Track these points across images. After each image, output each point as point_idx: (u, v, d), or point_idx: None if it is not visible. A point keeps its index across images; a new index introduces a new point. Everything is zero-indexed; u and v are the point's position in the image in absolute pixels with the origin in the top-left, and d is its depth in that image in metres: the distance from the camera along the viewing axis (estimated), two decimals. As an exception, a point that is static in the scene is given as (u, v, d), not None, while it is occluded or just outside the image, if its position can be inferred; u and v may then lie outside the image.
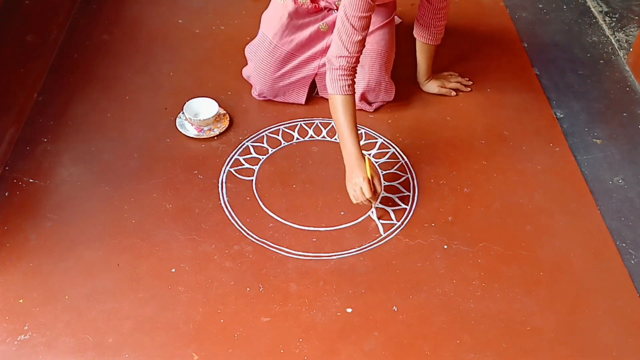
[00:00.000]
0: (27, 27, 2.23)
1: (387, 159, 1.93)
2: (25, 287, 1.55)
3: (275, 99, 2.05)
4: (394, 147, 1.96)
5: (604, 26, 2.50)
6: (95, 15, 2.37)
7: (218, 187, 1.81)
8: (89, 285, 1.57)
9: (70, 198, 1.76)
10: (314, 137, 1.97)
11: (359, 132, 1.99)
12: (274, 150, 1.93)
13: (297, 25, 1.97)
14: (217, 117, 1.97)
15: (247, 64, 2.09)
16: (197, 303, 1.55)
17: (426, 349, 1.49)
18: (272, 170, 1.88)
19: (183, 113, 1.97)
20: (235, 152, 1.91)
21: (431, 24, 1.99)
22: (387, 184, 1.85)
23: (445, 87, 2.12)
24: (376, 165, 1.89)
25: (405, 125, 2.03)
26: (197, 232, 1.70)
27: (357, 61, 1.74)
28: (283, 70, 1.99)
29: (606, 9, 2.57)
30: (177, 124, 1.96)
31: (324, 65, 1.98)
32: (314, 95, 2.08)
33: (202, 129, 1.95)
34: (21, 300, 1.53)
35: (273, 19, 1.99)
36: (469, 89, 2.14)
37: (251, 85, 2.07)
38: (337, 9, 1.95)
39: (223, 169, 1.86)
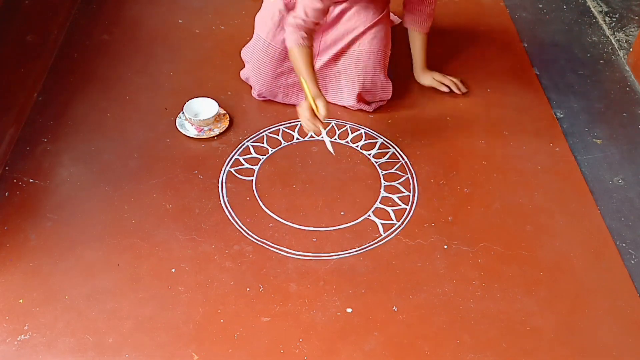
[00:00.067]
0: (27, 27, 2.23)
1: (387, 159, 1.93)
2: (25, 287, 1.55)
3: (275, 99, 2.06)
4: (394, 147, 1.96)
5: (604, 26, 2.50)
6: (95, 15, 2.37)
7: (218, 187, 1.81)
8: (89, 285, 1.57)
9: (70, 198, 1.76)
10: (314, 137, 1.97)
11: (359, 132, 1.99)
12: (274, 150, 1.93)
13: None
14: (217, 117, 1.97)
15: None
16: (197, 303, 1.55)
17: (426, 349, 1.49)
18: (272, 170, 1.88)
19: (183, 113, 1.97)
20: (235, 152, 1.91)
21: (417, 9, 2.00)
22: (387, 184, 1.85)
23: (437, 80, 2.11)
24: (375, 165, 1.89)
25: (405, 125, 2.03)
26: (197, 232, 1.70)
27: (315, 26, 1.83)
28: (280, 70, 1.99)
29: (606, 9, 2.58)
30: (177, 124, 1.96)
31: (320, 68, 1.99)
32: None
33: (202, 129, 1.95)
34: (21, 300, 1.53)
35: (265, 19, 1.99)
36: (460, 92, 2.12)
37: (251, 86, 2.08)
38: None
39: (223, 169, 1.86)
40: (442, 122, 2.05)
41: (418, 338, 1.51)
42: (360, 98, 2.02)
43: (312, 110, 1.75)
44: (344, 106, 2.06)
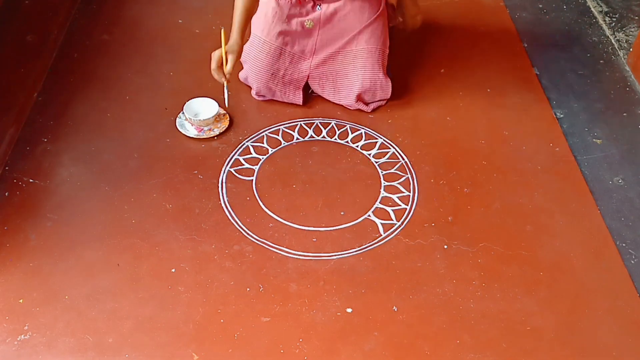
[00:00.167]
0: (27, 27, 2.23)
1: (387, 159, 1.93)
2: (25, 287, 1.55)
3: (274, 98, 2.06)
4: (394, 147, 1.96)
5: (604, 26, 2.50)
6: (95, 15, 2.38)
7: (218, 187, 1.81)
8: (89, 285, 1.57)
9: (70, 198, 1.76)
10: (314, 137, 1.97)
11: (359, 132, 1.99)
12: (274, 150, 1.93)
13: (283, 18, 1.98)
14: (217, 117, 1.97)
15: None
16: (197, 303, 1.55)
17: (426, 349, 1.49)
18: (272, 170, 1.88)
19: (183, 113, 1.98)
20: (235, 152, 1.91)
21: None
22: (387, 184, 1.85)
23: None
24: (375, 165, 1.89)
25: (405, 125, 2.03)
26: (197, 232, 1.70)
27: None
28: (277, 66, 1.99)
29: (606, 9, 2.58)
30: (177, 124, 1.96)
31: (315, 66, 1.99)
32: (310, 94, 2.09)
33: (202, 129, 1.95)
34: (21, 300, 1.53)
35: (260, 18, 2.01)
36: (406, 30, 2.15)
37: (250, 86, 2.08)
38: (321, 5, 1.96)
39: (223, 169, 1.86)
40: (442, 122, 2.05)
41: (418, 338, 1.51)
42: (359, 98, 2.02)
43: (222, 60, 1.85)
44: (343, 106, 2.06)
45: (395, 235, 1.72)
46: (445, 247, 1.70)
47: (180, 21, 2.39)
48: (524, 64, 2.29)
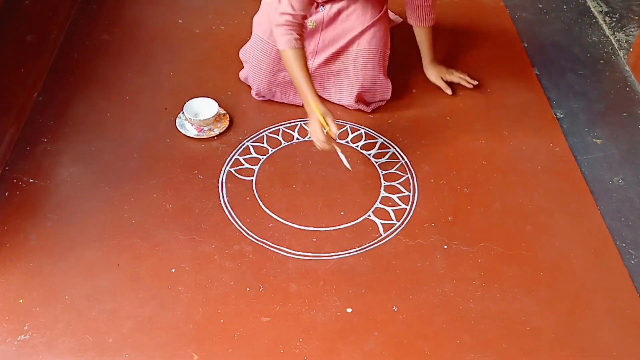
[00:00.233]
0: (27, 27, 2.23)
1: (387, 159, 1.93)
2: (25, 287, 1.55)
3: (274, 99, 2.06)
4: (394, 147, 1.96)
5: (604, 26, 2.50)
6: (95, 15, 2.37)
7: (218, 187, 1.81)
8: (89, 285, 1.57)
9: (70, 198, 1.76)
10: (314, 137, 1.97)
11: (359, 132, 1.99)
12: (274, 150, 1.93)
13: None
14: (217, 117, 1.97)
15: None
16: (197, 303, 1.55)
17: (426, 349, 1.49)
18: (272, 170, 1.88)
19: (183, 113, 1.97)
20: (235, 152, 1.91)
21: (418, 5, 1.99)
22: (387, 184, 1.85)
23: (445, 80, 2.11)
24: (375, 165, 1.89)
25: (405, 125, 2.03)
26: (197, 232, 1.70)
27: (303, 20, 1.78)
28: (278, 67, 1.99)
29: (606, 9, 2.58)
30: (177, 124, 1.96)
31: (317, 66, 1.99)
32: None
33: (202, 129, 1.95)
34: (21, 300, 1.53)
35: (263, 19, 2.00)
36: (471, 85, 2.12)
37: (250, 86, 2.08)
38: (323, 6, 1.95)
39: (223, 169, 1.86)
40: (442, 122, 2.05)
41: (418, 338, 1.51)
42: (359, 98, 2.02)
43: (323, 128, 1.71)
44: (343, 106, 2.06)
45: (395, 235, 1.72)
46: (445, 247, 1.70)
47: (180, 21, 2.39)
48: (524, 64, 2.29)
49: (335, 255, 1.67)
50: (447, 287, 1.61)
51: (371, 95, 2.03)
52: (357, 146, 1.95)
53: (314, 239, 1.70)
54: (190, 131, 1.94)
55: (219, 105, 1.98)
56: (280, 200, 1.79)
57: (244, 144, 1.94)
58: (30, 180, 1.79)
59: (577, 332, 1.54)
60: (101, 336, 1.47)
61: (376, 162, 1.91)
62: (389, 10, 2.13)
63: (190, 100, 1.97)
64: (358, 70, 1.97)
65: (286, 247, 1.68)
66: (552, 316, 1.57)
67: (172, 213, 1.73)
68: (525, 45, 2.37)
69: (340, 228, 1.74)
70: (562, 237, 1.74)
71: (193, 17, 2.41)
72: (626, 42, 2.41)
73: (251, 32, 2.04)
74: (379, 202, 1.80)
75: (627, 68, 2.30)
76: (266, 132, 1.98)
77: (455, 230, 1.74)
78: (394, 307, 1.56)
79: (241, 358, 1.46)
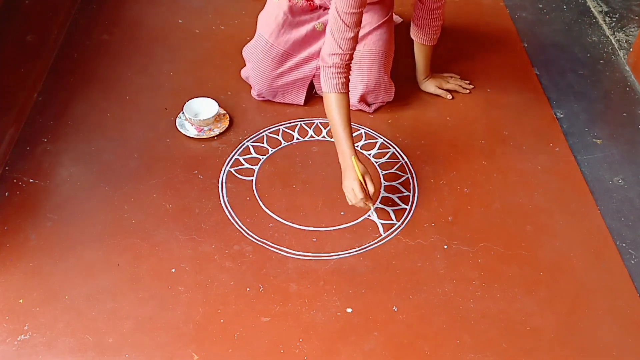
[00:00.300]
0: (27, 27, 2.23)
1: (387, 159, 1.93)
2: (25, 287, 1.55)
3: (274, 99, 2.06)
4: (394, 147, 1.96)
5: (604, 26, 2.50)
6: (95, 15, 2.37)
7: (218, 187, 1.81)
8: (89, 285, 1.57)
9: (70, 198, 1.76)
10: (314, 137, 1.97)
11: (359, 132, 1.99)
12: (274, 150, 1.93)
13: (293, 23, 1.97)
14: (217, 117, 1.97)
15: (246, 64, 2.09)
16: (197, 303, 1.55)
17: (426, 349, 1.49)
18: (272, 170, 1.88)
19: (183, 113, 1.97)
20: (235, 152, 1.91)
21: (426, 25, 1.99)
22: (387, 183, 1.85)
23: (442, 88, 2.12)
24: (375, 165, 1.89)
25: (405, 125, 2.03)
26: (197, 232, 1.70)
27: (351, 58, 1.73)
28: (281, 70, 1.99)
29: (606, 9, 2.58)
30: (177, 124, 1.96)
31: None
32: (314, 95, 2.09)
33: (202, 129, 1.95)
34: (21, 300, 1.53)
35: (268, 19, 1.99)
36: (467, 91, 2.14)
37: (251, 86, 2.08)
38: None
39: (223, 169, 1.86)
40: (442, 122, 2.05)
41: (418, 338, 1.51)
42: (362, 98, 2.02)
43: (363, 186, 1.65)
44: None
45: (395, 235, 1.72)
46: (445, 247, 1.70)
47: (180, 21, 2.39)
48: (524, 64, 2.29)
49: (335, 255, 1.67)
50: (447, 287, 1.61)
51: (374, 96, 2.03)
52: (357, 146, 1.95)
53: (314, 239, 1.70)
54: (190, 131, 1.94)
55: (219, 105, 1.98)
56: (280, 200, 1.79)
57: (244, 144, 1.94)
58: (30, 180, 1.79)
59: (577, 332, 1.54)
60: (101, 336, 1.47)
61: (376, 162, 1.91)
62: None
63: (190, 100, 1.97)
64: (363, 70, 1.97)
65: (286, 247, 1.68)
66: (552, 316, 1.57)
67: (172, 213, 1.73)
68: (525, 45, 2.37)
69: (340, 228, 1.74)
70: (562, 237, 1.74)
71: (193, 17, 2.41)
72: (626, 42, 2.41)
73: (253, 32, 2.04)
74: (379, 202, 1.80)
75: (627, 68, 2.30)
76: (266, 132, 1.98)
77: (455, 230, 1.74)
78: (394, 307, 1.56)
79: (241, 358, 1.46)
